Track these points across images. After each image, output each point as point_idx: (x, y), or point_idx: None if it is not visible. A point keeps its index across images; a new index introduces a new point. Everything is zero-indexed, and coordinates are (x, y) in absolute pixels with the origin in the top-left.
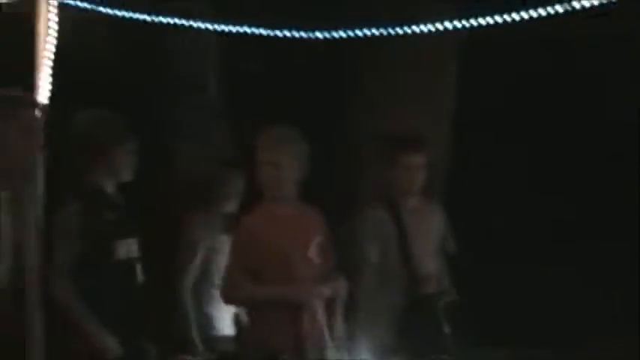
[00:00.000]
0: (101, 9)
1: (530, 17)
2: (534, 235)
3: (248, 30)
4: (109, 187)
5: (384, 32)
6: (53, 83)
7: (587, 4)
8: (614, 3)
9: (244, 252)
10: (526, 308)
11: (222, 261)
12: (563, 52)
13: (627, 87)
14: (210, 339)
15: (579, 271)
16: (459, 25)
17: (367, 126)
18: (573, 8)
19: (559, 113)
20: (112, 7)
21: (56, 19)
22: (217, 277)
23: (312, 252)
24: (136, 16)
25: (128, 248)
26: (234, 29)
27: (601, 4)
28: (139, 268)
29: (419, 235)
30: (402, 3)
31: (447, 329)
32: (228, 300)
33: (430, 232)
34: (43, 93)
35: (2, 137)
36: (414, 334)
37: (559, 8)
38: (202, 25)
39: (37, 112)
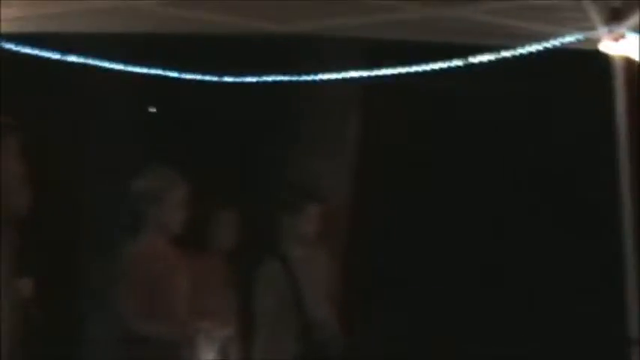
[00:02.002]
0: (15, 48)
1: (432, 69)
2: (431, 280)
3: (158, 72)
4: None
5: (291, 79)
6: None
7: (484, 60)
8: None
9: (139, 287)
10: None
11: None
12: (466, 104)
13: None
14: None
15: (472, 316)
16: (364, 74)
17: (270, 174)
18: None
19: (459, 161)
20: (29, 45)
21: None
22: None
23: (187, 288)
24: (50, 55)
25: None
26: (145, 71)
27: (497, 60)
28: (33, 309)
29: (309, 282)
30: (311, 52)
31: None
32: (128, 334)
33: (320, 279)
34: None
35: None
36: None
37: (459, 62)
38: (116, 67)
39: None
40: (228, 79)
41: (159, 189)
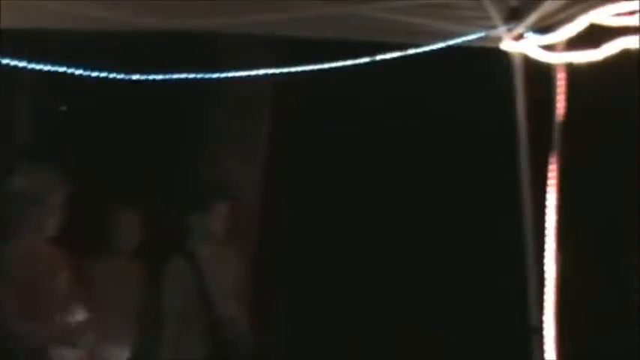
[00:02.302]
0: None
1: (343, 67)
2: (343, 279)
3: (63, 69)
4: None
5: (201, 77)
6: None
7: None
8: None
9: (16, 288)
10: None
11: None
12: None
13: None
14: None
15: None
16: (274, 71)
17: (179, 172)
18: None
19: (366, 160)
20: None
21: None
22: None
23: (68, 289)
24: None
25: None
26: (49, 68)
27: (405, 56)
28: None
29: (218, 280)
30: (219, 50)
31: None
32: (8, 335)
33: (229, 277)
34: None
35: None
36: None
37: (365, 59)
38: (18, 64)
39: None
40: (135, 76)
41: (37, 190)
